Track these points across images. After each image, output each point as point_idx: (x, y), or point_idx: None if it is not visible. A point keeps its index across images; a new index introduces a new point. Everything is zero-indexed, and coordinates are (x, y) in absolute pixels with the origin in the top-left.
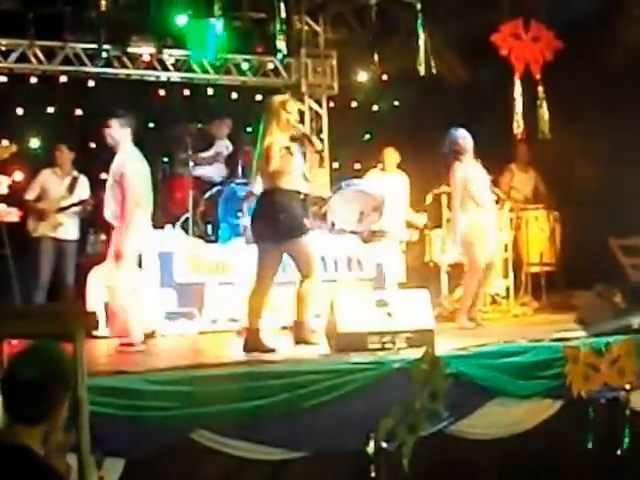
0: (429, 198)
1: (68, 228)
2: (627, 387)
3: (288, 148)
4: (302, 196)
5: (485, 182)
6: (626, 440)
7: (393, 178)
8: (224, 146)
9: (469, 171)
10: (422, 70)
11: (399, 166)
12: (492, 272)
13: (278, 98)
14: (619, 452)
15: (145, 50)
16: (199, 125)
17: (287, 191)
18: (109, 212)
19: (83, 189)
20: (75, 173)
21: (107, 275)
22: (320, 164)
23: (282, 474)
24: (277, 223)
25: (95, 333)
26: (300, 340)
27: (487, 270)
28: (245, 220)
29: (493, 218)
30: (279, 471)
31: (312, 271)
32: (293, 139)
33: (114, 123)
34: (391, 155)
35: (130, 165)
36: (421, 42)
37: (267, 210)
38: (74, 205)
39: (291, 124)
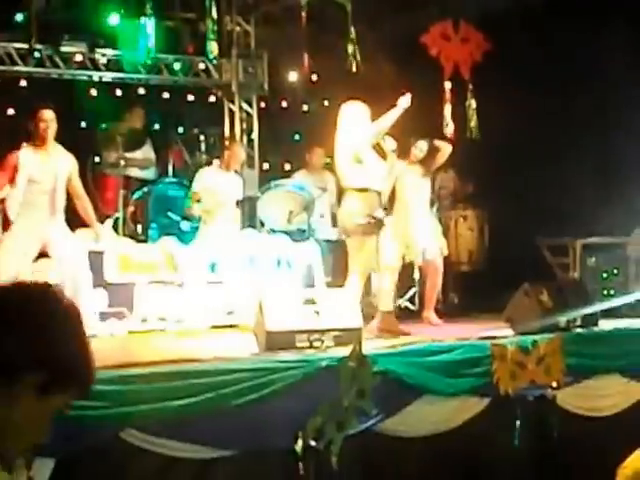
0: None
1: None
2: (554, 385)
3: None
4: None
5: (418, 183)
6: (553, 436)
7: (321, 178)
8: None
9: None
10: (352, 70)
11: (327, 166)
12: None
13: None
14: (547, 449)
15: (77, 50)
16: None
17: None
18: None
19: None
20: None
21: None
22: (250, 164)
23: (211, 473)
24: None
25: None
26: (386, 329)
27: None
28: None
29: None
30: (208, 470)
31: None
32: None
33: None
34: (319, 155)
35: None
36: (351, 43)
37: None
38: None
39: None
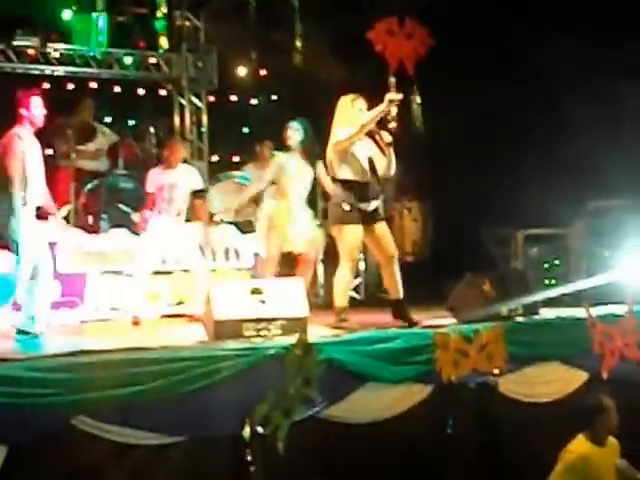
0: None
1: None
2: (496, 372)
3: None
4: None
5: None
6: (496, 423)
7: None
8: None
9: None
10: (299, 65)
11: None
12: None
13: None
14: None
15: (30, 44)
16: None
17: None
18: None
19: None
20: None
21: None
22: (199, 157)
23: (161, 458)
24: None
25: None
26: (401, 316)
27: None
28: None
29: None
30: (158, 455)
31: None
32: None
33: None
34: (268, 148)
35: None
36: (298, 38)
37: None
38: None
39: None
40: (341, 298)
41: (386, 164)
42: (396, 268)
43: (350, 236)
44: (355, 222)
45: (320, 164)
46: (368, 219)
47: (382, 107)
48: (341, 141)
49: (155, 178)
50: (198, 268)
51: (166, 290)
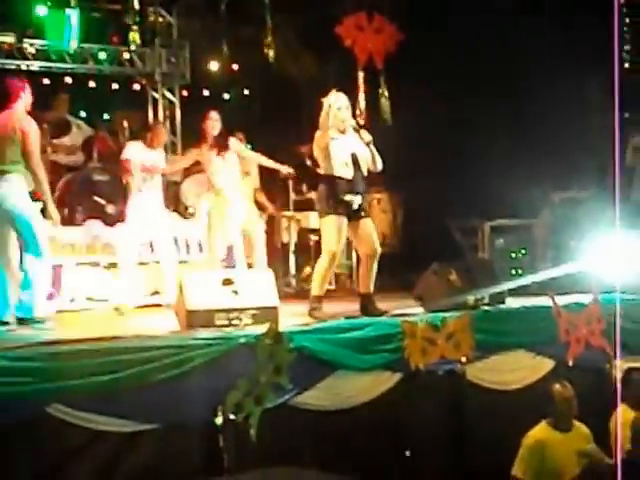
0: None
1: None
2: (463, 360)
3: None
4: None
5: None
6: (463, 409)
7: (244, 163)
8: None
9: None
10: (269, 59)
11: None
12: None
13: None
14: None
15: (5, 39)
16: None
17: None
18: None
19: None
20: None
21: None
22: (172, 150)
23: (135, 445)
24: None
25: None
26: (370, 312)
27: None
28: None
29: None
30: (132, 442)
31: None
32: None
33: None
34: (239, 141)
35: None
36: (269, 33)
37: None
38: None
39: (339, 118)
40: (315, 287)
41: (370, 160)
42: (375, 265)
43: (328, 227)
44: (335, 214)
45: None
46: (353, 214)
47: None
48: (317, 139)
49: (135, 153)
50: (170, 259)
51: (141, 280)
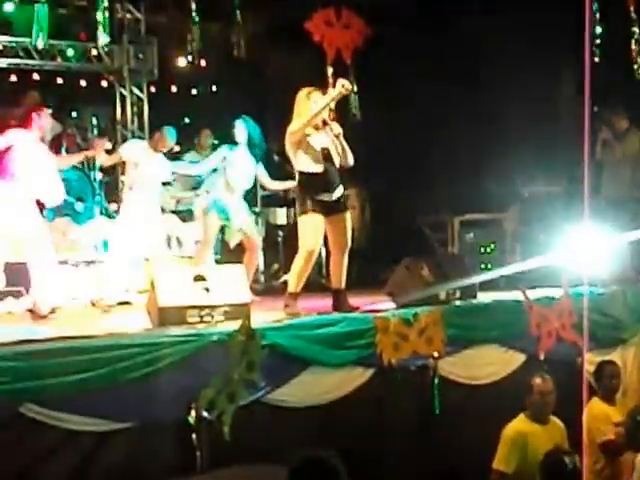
0: None
1: None
2: (435, 355)
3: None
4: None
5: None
6: (436, 404)
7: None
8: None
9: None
10: (238, 55)
11: (214, 148)
12: None
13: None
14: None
15: None
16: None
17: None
18: None
19: None
20: None
21: None
22: None
23: (109, 444)
24: None
25: None
26: (343, 309)
27: None
28: None
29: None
30: (106, 441)
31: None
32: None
33: None
34: (207, 137)
35: None
36: (237, 29)
37: None
38: None
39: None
40: (291, 285)
41: (342, 154)
42: (345, 260)
43: (305, 225)
44: (311, 212)
45: (260, 167)
46: (330, 209)
47: (334, 94)
48: (294, 132)
49: (136, 150)
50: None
51: (109, 278)
